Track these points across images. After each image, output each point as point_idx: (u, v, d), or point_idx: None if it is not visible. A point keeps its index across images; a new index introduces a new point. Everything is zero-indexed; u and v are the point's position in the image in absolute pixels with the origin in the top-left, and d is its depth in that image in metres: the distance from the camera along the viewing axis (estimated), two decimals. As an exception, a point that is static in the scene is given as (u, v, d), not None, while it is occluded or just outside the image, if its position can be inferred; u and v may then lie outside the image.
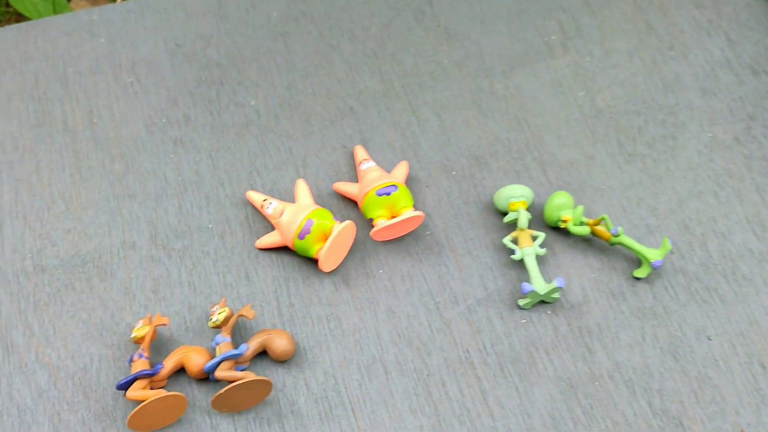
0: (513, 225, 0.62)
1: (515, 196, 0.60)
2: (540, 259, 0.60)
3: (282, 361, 0.56)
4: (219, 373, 0.54)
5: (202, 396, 0.56)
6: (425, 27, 0.70)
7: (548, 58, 0.69)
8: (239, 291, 0.59)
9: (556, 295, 0.58)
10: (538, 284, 0.58)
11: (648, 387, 0.56)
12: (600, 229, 0.60)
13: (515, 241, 0.60)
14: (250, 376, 0.53)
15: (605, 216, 0.59)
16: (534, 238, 0.60)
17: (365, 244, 0.61)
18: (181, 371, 0.56)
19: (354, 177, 0.63)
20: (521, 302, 0.58)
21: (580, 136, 0.65)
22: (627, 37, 0.70)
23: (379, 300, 0.59)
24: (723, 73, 0.68)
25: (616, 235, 0.59)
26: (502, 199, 0.60)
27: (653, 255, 0.58)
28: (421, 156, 0.65)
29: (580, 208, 0.60)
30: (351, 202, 0.63)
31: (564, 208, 0.60)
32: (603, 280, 0.59)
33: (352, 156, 0.64)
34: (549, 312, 0.58)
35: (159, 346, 0.57)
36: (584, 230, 0.59)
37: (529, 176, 0.64)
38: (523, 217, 0.59)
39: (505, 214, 0.62)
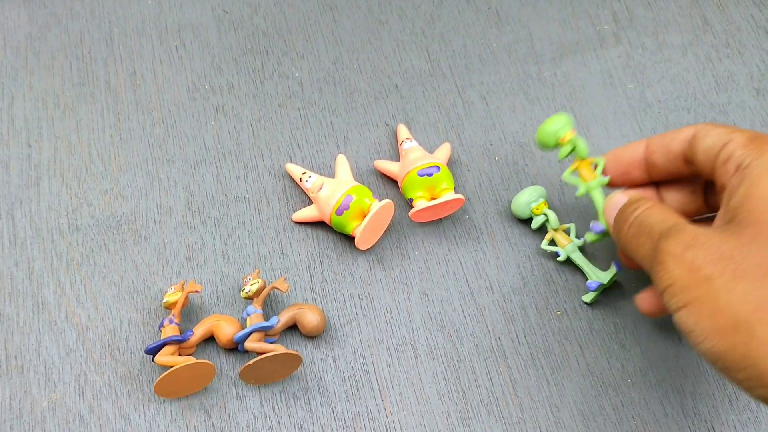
0: (541, 229, 0.60)
1: (534, 200, 0.58)
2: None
3: (312, 336, 0.56)
4: (248, 344, 0.53)
5: (229, 366, 0.55)
6: (476, 8, 0.69)
7: (599, 47, 0.68)
8: (272, 263, 0.59)
9: (614, 278, 0.57)
10: (599, 276, 0.57)
11: (681, 389, 0.55)
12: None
13: (553, 243, 0.59)
14: (280, 349, 0.53)
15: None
16: (567, 232, 0.59)
17: (402, 224, 0.60)
18: (209, 340, 0.56)
19: (395, 155, 0.63)
20: (586, 298, 0.57)
21: (627, 129, 0.64)
22: (681, 31, 0.69)
23: (412, 282, 0.58)
24: (778, 74, 0.67)
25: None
26: (522, 206, 0.59)
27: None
28: (465, 139, 0.63)
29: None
30: (390, 181, 0.62)
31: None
32: (642, 277, 0.58)
33: (394, 134, 0.63)
34: (585, 306, 0.57)
35: (189, 313, 0.57)
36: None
37: (573, 167, 0.63)
38: (552, 217, 0.58)
39: (528, 221, 0.61)
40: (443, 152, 0.61)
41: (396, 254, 0.59)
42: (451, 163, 0.62)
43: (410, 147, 0.61)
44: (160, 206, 0.60)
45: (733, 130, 0.47)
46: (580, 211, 0.61)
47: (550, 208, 0.60)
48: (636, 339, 0.56)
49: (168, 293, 0.55)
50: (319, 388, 0.55)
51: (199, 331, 0.54)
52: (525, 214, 0.59)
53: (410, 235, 0.60)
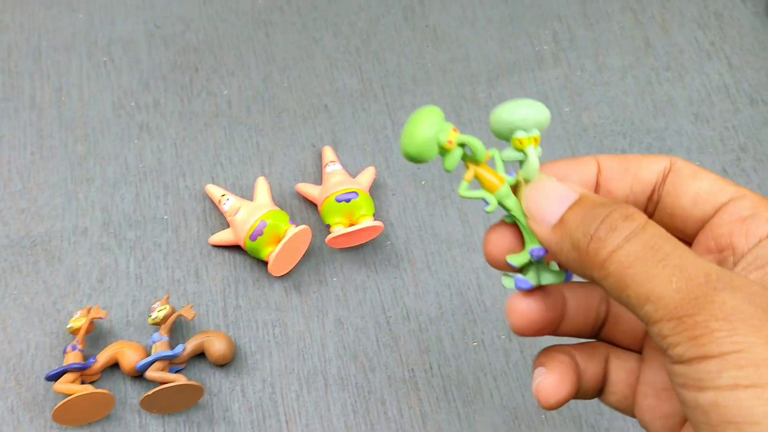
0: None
1: (526, 127, 0.33)
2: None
3: (220, 364, 0.55)
4: (150, 374, 0.53)
5: (134, 394, 0.55)
6: (413, 26, 0.68)
7: (537, 68, 0.66)
8: (186, 288, 0.58)
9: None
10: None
11: (596, 425, 0.53)
12: (489, 170, 0.34)
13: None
14: (180, 379, 0.52)
15: (496, 152, 0.34)
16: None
17: (322, 249, 0.59)
18: (118, 365, 0.55)
19: (320, 178, 0.61)
20: (507, 282, 0.34)
21: (561, 153, 0.63)
22: (623, 53, 0.67)
23: (328, 309, 0.57)
24: (719, 99, 0.65)
25: (513, 180, 0.34)
26: (504, 124, 0.33)
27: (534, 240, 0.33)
28: (392, 162, 0.62)
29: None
30: (313, 205, 0.61)
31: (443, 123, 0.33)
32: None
33: (320, 156, 0.62)
34: (503, 337, 0.56)
35: (98, 338, 0.56)
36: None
37: (502, 192, 0.61)
38: (534, 162, 0.33)
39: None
40: (366, 177, 0.60)
41: (314, 280, 0.58)
42: (376, 187, 0.61)
43: (332, 171, 0.60)
44: (76, 227, 0.59)
45: (738, 188, 0.33)
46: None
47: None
48: (552, 373, 0.55)
49: (73, 318, 0.54)
50: (224, 418, 0.54)
51: (102, 358, 0.54)
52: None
53: (330, 260, 0.59)
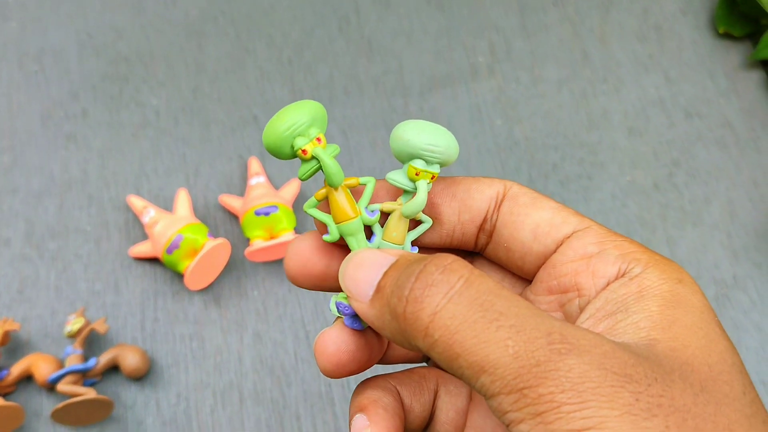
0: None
1: (429, 159, 0.29)
2: None
3: (134, 378, 0.55)
4: (61, 387, 0.52)
5: (50, 406, 0.54)
6: (348, 38, 0.67)
7: (471, 80, 0.66)
8: (105, 300, 0.57)
9: None
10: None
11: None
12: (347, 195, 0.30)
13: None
14: (90, 393, 0.52)
15: (371, 180, 0.30)
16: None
17: (244, 262, 0.59)
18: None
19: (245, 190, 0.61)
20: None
21: (490, 167, 0.62)
22: (559, 65, 0.67)
23: (247, 323, 0.57)
24: (654, 113, 0.65)
25: (372, 220, 0.30)
26: (406, 146, 0.29)
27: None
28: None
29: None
30: (237, 217, 0.60)
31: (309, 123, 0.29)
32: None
33: (247, 168, 0.62)
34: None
35: (16, 349, 0.56)
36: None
37: (429, 205, 0.61)
38: (421, 200, 0.29)
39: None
40: (289, 190, 0.60)
41: (234, 293, 0.58)
42: (301, 200, 0.61)
43: (256, 183, 0.59)
44: (-2, 237, 0.59)
45: (582, 219, 0.29)
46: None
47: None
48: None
49: (-13, 331, 0.54)
50: (137, 432, 0.54)
51: (16, 371, 0.54)
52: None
53: (251, 273, 0.59)
